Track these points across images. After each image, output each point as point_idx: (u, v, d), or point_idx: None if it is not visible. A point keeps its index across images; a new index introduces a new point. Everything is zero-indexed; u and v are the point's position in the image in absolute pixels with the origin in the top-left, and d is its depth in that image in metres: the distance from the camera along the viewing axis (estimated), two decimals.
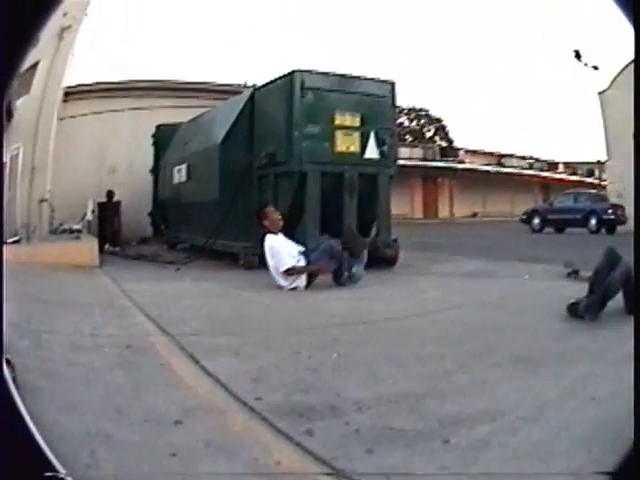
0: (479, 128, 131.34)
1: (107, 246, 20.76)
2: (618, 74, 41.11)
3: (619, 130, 37.70)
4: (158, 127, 23.15)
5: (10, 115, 17.58)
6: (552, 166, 72.44)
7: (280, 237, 11.78)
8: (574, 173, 73.12)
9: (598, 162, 54.24)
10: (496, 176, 59.87)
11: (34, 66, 18.88)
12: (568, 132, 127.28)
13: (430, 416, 4.65)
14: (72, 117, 24.34)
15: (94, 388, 5.14)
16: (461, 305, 10.03)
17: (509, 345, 7.13)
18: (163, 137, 22.49)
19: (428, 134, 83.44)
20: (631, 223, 32.07)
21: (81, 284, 12.33)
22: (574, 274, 12.49)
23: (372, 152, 14.81)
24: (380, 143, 14.89)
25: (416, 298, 10.73)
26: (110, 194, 23.68)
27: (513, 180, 62.52)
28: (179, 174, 18.99)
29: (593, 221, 37.35)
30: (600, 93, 43.28)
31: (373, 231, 14.83)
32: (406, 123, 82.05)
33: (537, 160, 70.98)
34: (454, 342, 7.25)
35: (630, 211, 33.80)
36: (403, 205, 48.53)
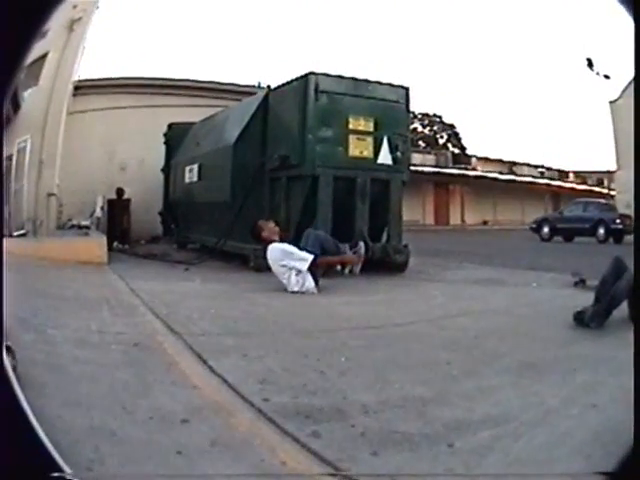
0: (491, 135, 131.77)
1: (116, 244, 20.79)
2: (629, 84, 39.26)
3: (629, 140, 36.49)
4: (170, 126, 23.10)
5: (17, 106, 17.55)
6: (562, 175, 72.74)
7: (284, 243, 11.82)
8: (584, 182, 73.39)
9: (607, 172, 55.11)
10: (507, 184, 59.98)
11: (42, 57, 18.82)
12: (579, 141, 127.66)
13: (435, 421, 4.70)
14: (82, 112, 24.25)
15: (100, 385, 5.16)
16: (470, 312, 10.05)
17: (515, 352, 7.19)
18: (175, 136, 22.45)
19: (441, 140, 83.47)
20: None
21: (89, 281, 12.34)
22: (581, 283, 12.52)
23: (385, 157, 14.83)
24: (393, 149, 14.89)
25: (425, 304, 10.76)
26: (120, 191, 23.71)
27: (524, 188, 62.65)
28: (190, 174, 18.98)
29: (601, 230, 37.25)
30: (611, 102, 43.31)
31: (384, 237, 14.87)
32: (420, 129, 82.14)
33: (548, 169, 71.05)
34: (461, 348, 7.29)
35: None
36: (415, 211, 48.55)
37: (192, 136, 20.72)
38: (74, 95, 23.73)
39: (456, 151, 74.83)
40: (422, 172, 47.58)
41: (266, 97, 16.21)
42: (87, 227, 20.79)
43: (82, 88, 24.64)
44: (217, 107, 21.11)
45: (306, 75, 14.45)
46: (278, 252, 11.47)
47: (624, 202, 38.54)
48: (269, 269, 11.82)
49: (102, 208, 23.04)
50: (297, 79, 14.81)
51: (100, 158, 25.25)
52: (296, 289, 11.20)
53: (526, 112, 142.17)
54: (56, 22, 17.27)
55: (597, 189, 68.43)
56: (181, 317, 8.50)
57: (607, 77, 47.17)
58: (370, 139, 14.73)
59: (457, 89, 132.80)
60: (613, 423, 4.56)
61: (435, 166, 56.68)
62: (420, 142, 76.52)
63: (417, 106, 77.94)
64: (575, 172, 75.18)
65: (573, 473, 3.91)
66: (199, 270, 14.85)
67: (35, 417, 3.01)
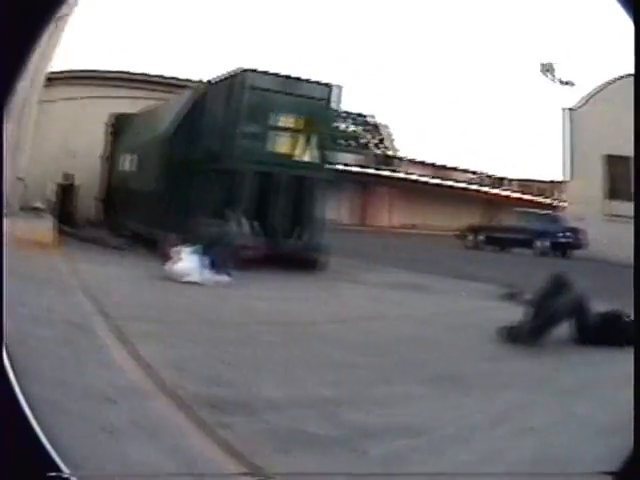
0: (427, 139, 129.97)
1: (63, 226, 20.79)
2: (596, 91, 39.26)
3: (587, 149, 37.33)
4: (116, 117, 23.12)
5: None
6: (500, 182, 68.63)
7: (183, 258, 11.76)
8: (524, 192, 68.69)
9: (552, 182, 52.52)
10: (440, 189, 58.47)
11: None
12: (521, 150, 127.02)
13: (347, 425, 4.72)
14: (49, 101, 24.35)
15: (41, 360, 5.21)
16: (389, 317, 9.98)
17: (436, 362, 7.13)
18: (119, 126, 22.45)
19: (373, 141, 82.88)
20: (593, 249, 30.28)
21: (34, 261, 12.35)
22: (512, 296, 11.97)
23: (309, 155, 14.82)
24: (318, 147, 14.90)
25: (342, 305, 10.73)
26: (67, 177, 23.72)
27: (456, 194, 60.07)
28: (129, 163, 19.02)
29: (541, 243, 34.02)
30: (570, 110, 41.44)
31: (305, 234, 14.56)
32: (351, 128, 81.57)
33: (484, 175, 67.77)
34: (378, 353, 7.25)
35: (594, 235, 33.19)
36: (340, 211, 48.10)
37: (134, 127, 20.73)
38: (45, 86, 23.80)
39: (386, 152, 73.93)
40: (350, 172, 47.03)
41: (200, 92, 16.25)
42: (41, 209, 20.81)
43: (51, 79, 24.69)
44: (163, 100, 21.20)
45: (239, 72, 14.55)
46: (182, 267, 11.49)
47: (575, 214, 36.56)
48: None
49: (54, 192, 23.07)
50: (231, 76, 14.87)
51: (56, 146, 25.27)
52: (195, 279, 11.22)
53: (464, 116, 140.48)
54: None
55: (539, 199, 65.82)
56: (110, 300, 8.47)
57: (569, 83, 47.49)
58: (295, 137, 14.72)
59: (394, 89, 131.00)
60: (556, 449, 4.51)
61: (364, 166, 56.17)
62: (350, 142, 75.79)
63: (350, 105, 77.12)
64: (515, 180, 70.97)
65: (573, 473, 3.99)
66: (130, 255, 14.87)
67: (34, 417, 3.01)
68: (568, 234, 34.31)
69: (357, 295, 11.83)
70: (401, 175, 58.56)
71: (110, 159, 22.86)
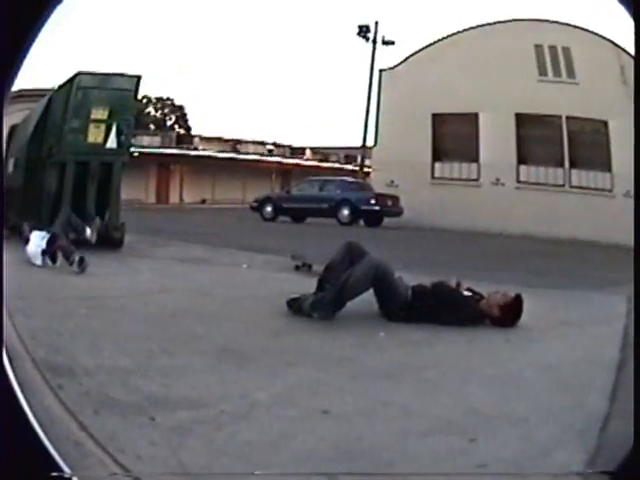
0: (219, 115, 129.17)
1: None
2: (414, 52, 37.80)
3: (399, 111, 35.94)
4: (10, 127, 23.23)
5: None
6: (297, 152, 67.20)
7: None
8: (325, 159, 67.37)
9: (363, 147, 48.46)
10: (229, 162, 56.83)
11: None
12: (324, 117, 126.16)
13: (138, 392, 4.82)
14: None
15: None
16: (171, 289, 10.00)
17: (215, 335, 6.94)
18: (10, 135, 22.65)
19: (169, 122, 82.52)
20: (409, 215, 31.10)
21: None
22: (305, 267, 11.78)
23: (112, 142, 15.46)
24: (119, 133, 15.52)
25: (133, 279, 10.86)
26: None
27: (247, 166, 59.35)
28: (11, 166, 19.28)
29: (345, 211, 32.81)
30: (385, 70, 39.50)
31: (107, 215, 15.31)
32: (152, 112, 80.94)
33: (278, 146, 66.05)
34: (161, 325, 7.34)
35: (408, 202, 32.98)
36: (138, 191, 47.18)
37: (17, 134, 20.95)
38: None
39: (181, 132, 73.42)
40: (148, 153, 46.43)
41: (51, 95, 16.90)
42: None
43: None
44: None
45: (75, 75, 15.35)
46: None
47: (382, 180, 36.13)
48: None
49: None
50: (70, 79, 15.60)
51: None
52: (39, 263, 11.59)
53: (258, 87, 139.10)
54: None
55: (344, 166, 63.73)
56: None
57: (390, 43, 47.28)
58: (103, 127, 15.38)
59: (188, 68, 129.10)
60: (355, 436, 4.32)
61: (159, 147, 55.69)
62: (151, 125, 75.07)
63: (153, 91, 76.61)
64: (314, 148, 69.37)
65: (573, 472, 3.87)
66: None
67: (35, 417, 3.00)
68: (373, 201, 33.13)
69: (146, 269, 11.95)
70: (191, 152, 57.49)
71: (2, 164, 23.04)
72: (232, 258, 14.06)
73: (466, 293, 8.43)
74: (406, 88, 35.77)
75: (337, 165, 66.01)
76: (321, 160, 67.05)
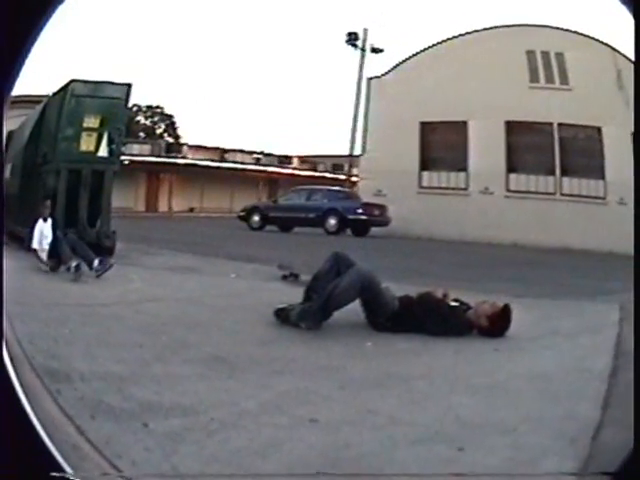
0: (209, 124, 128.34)
1: None
2: (403, 60, 36.81)
3: (387, 119, 34.88)
4: (8, 133, 23.29)
5: None
6: (285, 160, 65.71)
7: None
8: (313, 168, 66.00)
9: (351, 156, 46.53)
10: (217, 171, 56.69)
11: None
12: (311, 126, 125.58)
13: (131, 398, 4.84)
14: None
15: None
16: (162, 298, 9.99)
17: (205, 344, 6.94)
18: (8, 142, 22.76)
19: (159, 131, 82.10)
20: (397, 224, 29.73)
21: None
22: (292, 277, 11.69)
23: (103, 151, 15.64)
24: (110, 142, 15.70)
25: (125, 287, 10.76)
26: None
27: (235, 175, 58.23)
28: (8, 172, 19.33)
29: (332, 221, 31.80)
30: (373, 79, 38.36)
31: (98, 223, 15.44)
32: (142, 121, 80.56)
33: (266, 155, 64.66)
34: (152, 333, 7.36)
35: (396, 211, 31.96)
36: (128, 199, 46.87)
37: (13, 140, 21.04)
38: None
39: (170, 140, 72.92)
40: (138, 162, 46.12)
41: (47, 103, 17.16)
42: None
43: None
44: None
45: (68, 83, 15.49)
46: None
47: (370, 189, 35.11)
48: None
49: None
50: (63, 87, 15.80)
51: None
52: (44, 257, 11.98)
53: (247, 96, 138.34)
54: None
55: (333, 175, 61.76)
56: None
57: (379, 50, 45.37)
58: (95, 135, 15.57)
59: (178, 76, 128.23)
60: (342, 444, 4.30)
61: (149, 155, 55.36)
62: (141, 133, 74.65)
63: (143, 99, 76.23)
64: (302, 157, 68.26)
65: (573, 473, 3.85)
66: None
67: (36, 417, 2.99)
68: (360, 211, 32.13)
69: (136, 278, 11.74)
70: (180, 161, 56.94)
71: (2, 168, 23.14)
72: (220, 267, 14.04)
73: (453, 303, 8.34)
74: (394, 96, 34.89)
75: (325, 174, 64.54)
76: (308, 169, 65.92)
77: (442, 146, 35.59)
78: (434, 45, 36.06)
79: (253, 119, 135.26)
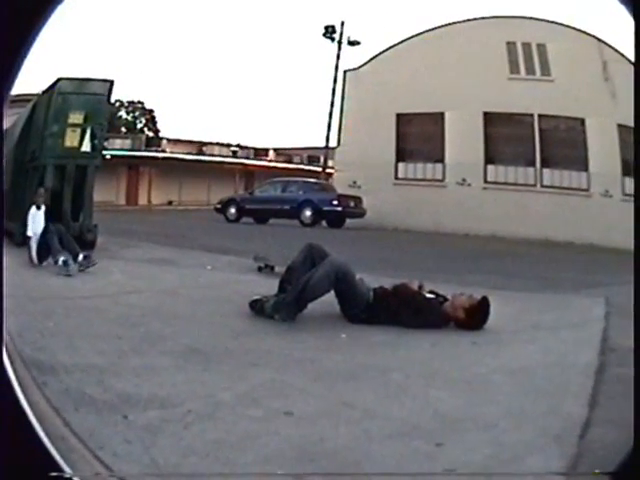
0: (187, 118, 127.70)
1: None
2: (380, 52, 36.25)
3: (363, 111, 34.43)
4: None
5: None
6: (261, 153, 64.74)
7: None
8: (289, 160, 64.70)
9: (326, 148, 46.05)
10: (194, 164, 55.52)
11: None
12: (289, 118, 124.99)
13: (111, 390, 4.84)
14: None
15: None
16: (139, 290, 9.95)
17: (181, 335, 6.89)
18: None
19: (139, 125, 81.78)
20: (372, 216, 29.18)
21: None
22: (268, 269, 11.58)
23: (86, 145, 15.80)
24: (93, 137, 15.86)
25: (105, 280, 10.76)
26: None
27: (212, 168, 57.49)
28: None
29: (308, 212, 31.21)
30: (350, 70, 37.67)
31: (81, 217, 15.57)
32: (124, 116, 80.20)
33: (243, 147, 63.79)
34: (131, 325, 7.31)
35: (371, 203, 31.53)
36: (109, 193, 46.56)
37: (7, 138, 21.05)
38: None
39: (150, 134, 72.52)
40: (119, 156, 45.77)
41: (36, 101, 17.19)
42: None
43: None
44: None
45: (56, 81, 15.63)
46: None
47: (345, 181, 34.88)
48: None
49: None
50: (51, 85, 15.93)
51: None
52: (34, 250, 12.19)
53: (224, 90, 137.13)
54: None
55: (308, 167, 60.98)
56: None
57: (355, 43, 45.29)
58: (79, 131, 15.72)
59: (159, 70, 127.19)
60: (317, 438, 4.21)
61: (130, 149, 55.04)
62: (122, 128, 74.21)
63: (125, 94, 75.99)
64: (278, 149, 66.87)
65: (573, 473, 3.73)
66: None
67: (35, 417, 2.97)
68: (335, 202, 31.69)
69: (115, 270, 11.83)
70: (159, 155, 56.53)
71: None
72: (197, 259, 13.94)
73: (429, 295, 8.20)
74: (370, 88, 34.43)
75: (300, 166, 63.50)
76: (284, 161, 64.91)
77: (418, 138, 35.18)
78: (412, 37, 35.52)
79: (231, 112, 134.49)
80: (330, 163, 44.72)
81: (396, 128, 35.23)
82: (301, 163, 65.61)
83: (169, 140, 61.09)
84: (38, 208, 12.94)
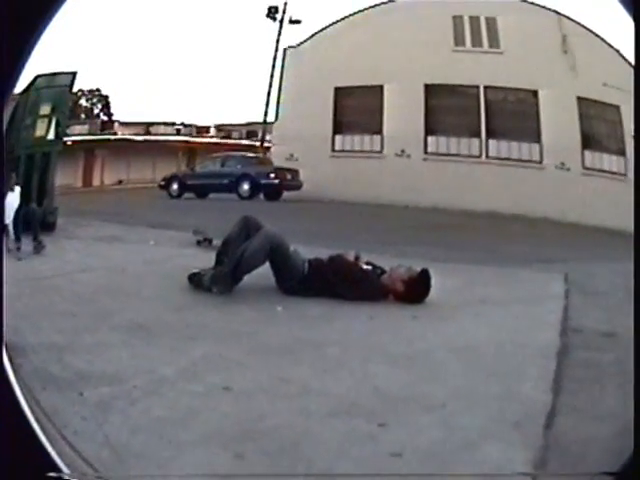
0: (138, 100, 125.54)
1: None
2: (319, 30, 33.00)
3: (302, 87, 31.56)
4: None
5: None
6: (203, 130, 63.70)
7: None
8: (228, 136, 64.32)
9: (264, 123, 41.00)
10: (142, 144, 55.33)
11: None
12: (230, 96, 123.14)
13: (69, 368, 4.74)
14: None
15: None
16: (92, 268, 9.72)
17: (125, 311, 6.68)
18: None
19: (96, 111, 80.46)
20: (309, 188, 27.09)
21: None
22: (206, 242, 11.07)
23: (51, 134, 15.93)
24: (57, 126, 15.99)
25: (61, 260, 10.57)
26: None
27: (158, 147, 55.38)
28: None
29: (245, 186, 28.72)
30: (290, 47, 34.25)
31: (45, 201, 15.44)
32: (84, 104, 78.85)
33: (186, 125, 62.44)
34: (83, 302, 7.24)
35: (308, 175, 28.97)
36: (69, 177, 45.86)
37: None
38: None
39: (105, 118, 71.22)
40: (77, 141, 45.18)
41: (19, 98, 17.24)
42: None
43: None
44: None
45: (35, 78, 15.40)
46: None
47: (282, 154, 31.55)
48: None
49: None
50: (31, 82, 15.60)
51: None
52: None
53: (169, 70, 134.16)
54: None
55: (246, 142, 59.89)
56: None
57: (296, 22, 42.37)
58: (46, 121, 15.84)
59: (113, 56, 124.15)
60: (255, 414, 4.02)
61: (87, 134, 54.26)
62: (82, 115, 72.90)
63: (87, 84, 74.67)
64: (218, 126, 64.68)
65: (574, 473, 3.34)
66: None
67: (34, 417, 2.87)
68: (272, 175, 29.13)
69: (73, 249, 11.76)
70: (110, 137, 55.49)
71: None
72: (141, 235, 13.33)
73: (365, 267, 7.70)
74: (310, 64, 31.55)
75: (240, 141, 62.79)
76: (224, 137, 63.62)
77: (357, 110, 32.56)
78: (354, 13, 32.70)
79: (177, 92, 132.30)
80: (268, 137, 41.36)
81: (334, 101, 32.84)
82: (240, 138, 64.44)
83: (121, 123, 59.63)
84: (12, 190, 12.83)
